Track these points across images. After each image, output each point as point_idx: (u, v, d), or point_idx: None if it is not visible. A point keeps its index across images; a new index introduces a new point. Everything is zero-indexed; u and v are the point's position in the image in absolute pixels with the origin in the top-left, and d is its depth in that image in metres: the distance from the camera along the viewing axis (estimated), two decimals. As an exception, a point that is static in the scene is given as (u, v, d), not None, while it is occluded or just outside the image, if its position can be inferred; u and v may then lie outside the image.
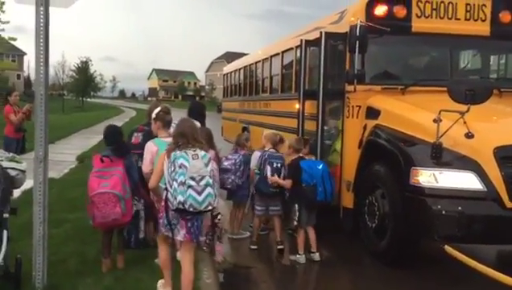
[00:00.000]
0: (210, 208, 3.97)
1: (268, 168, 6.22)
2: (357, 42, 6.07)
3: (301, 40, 7.43)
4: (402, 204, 5.31)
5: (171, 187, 3.91)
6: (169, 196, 3.93)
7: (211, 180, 3.94)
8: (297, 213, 5.97)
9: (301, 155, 6.16)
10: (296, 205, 5.99)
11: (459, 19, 6.50)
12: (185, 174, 3.84)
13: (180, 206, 3.84)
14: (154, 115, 5.00)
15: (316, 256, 6.00)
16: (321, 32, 6.73)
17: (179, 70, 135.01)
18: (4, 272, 4.00)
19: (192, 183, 3.83)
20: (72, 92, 65.75)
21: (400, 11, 6.38)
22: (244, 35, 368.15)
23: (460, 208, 4.84)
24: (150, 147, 4.78)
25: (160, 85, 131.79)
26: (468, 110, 4.69)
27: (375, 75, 6.67)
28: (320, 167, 6.02)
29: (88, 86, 63.02)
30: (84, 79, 61.64)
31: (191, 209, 3.85)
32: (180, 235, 4.05)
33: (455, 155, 5.03)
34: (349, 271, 5.94)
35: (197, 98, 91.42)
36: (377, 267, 5.72)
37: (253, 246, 6.45)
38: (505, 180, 4.85)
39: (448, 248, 4.64)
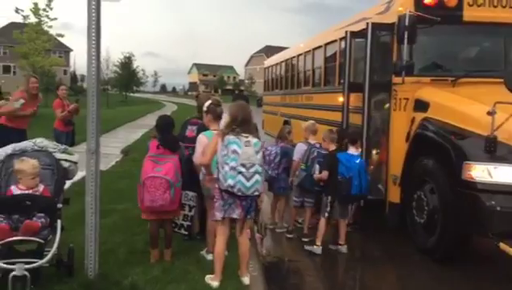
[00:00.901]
0: (257, 193, 4.31)
1: (317, 167, 6.18)
2: (406, 32, 5.92)
3: (346, 32, 7.29)
4: (454, 199, 5.14)
5: (222, 168, 4.20)
6: (220, 176, 4.24)
7: (260, 168, 4.26)
8: (328, 205, 5.94)
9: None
10: (329, 197, 5.95)
11: (513, 7, 6.23)
12: (237, 160, 4.15)
13: (229, 189, 4.17)
14: (205, 108, 5.02)
15: (344, 248, 5.97)
16: (368, 23, 6.59)
17: (219, 64, 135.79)
18: (57, 261, 4.12)
19: (243, 169, 4.15)
20: (115, 87, 67.25)
21: (451, 0, 6.16)
22: (283, 29, 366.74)
23: (515, 204, 4.65)
24: (202, 139, 4.83)
25: (200, 80, 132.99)
26: (526, 102, 4.48)
27: (424, 66, 6.49)
28: (358, 160, 5.93)
29: (131, 81, 64.25)
30: (127, 74, 62.81)
31: (239, 193, 4.19)
32: (236, 213, 4.36)
33: (510, 149, 4.82)
34: (397, 268, 5.82)
35: (237, 92, 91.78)
36: (426, 264, 5.57)
37: (304, 239, 6.37)
38: None
39: (502, 245, 4.46)
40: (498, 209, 4.65)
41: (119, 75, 63.94)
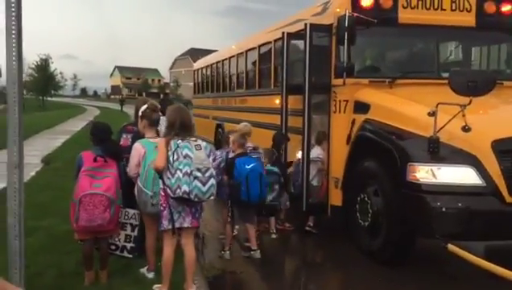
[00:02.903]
0: (212, 197, 4.21)
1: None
2: (346, 34, 5.85)
3: (283, 33, 7.15)
4: (399, 201, 5.12)
5: (172, 175, 4.01)
6: (169, 183, 4.02)
7: (214, 172, 4.18)
8: (229, 210, 5.86)
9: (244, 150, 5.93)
10: (229, 202, 5.88)
11: (444, 10, 6.36)
12: (191, 165, 4.00)
13: (185, 196, 4.01)
14: (140, 113, 4.63)
15: (257, 254, 5.78)
16: (306, 24, 6.47)
17: (143, 67, 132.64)
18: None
19: (199, 174, 4.01)
20: (31, 91, 63.63)
21: (386, 2, 6.19)
22: (208, 32, 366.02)
23: (460, 204, 4.68)
24: (138, 148, 4.47)
25: (123, 83, 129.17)
26: (470, 103, 4.51)
27: (362, 68, 6.49)
28: (250, 166, 5.62)
29: (49, 85, 60.98)
30: (44, 77, 59.52)
31: (196, 199, 4.06)
32: (187, 222, 4.20)
33: (452, 150, 4.86)
34: (342, 272, 5.73)
35: (161, 96, 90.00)
36: (371, 267, 5.51)
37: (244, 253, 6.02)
38: (504, 174, 4.71)
39: (451, 247, 4.46)
40: (444, 209, 4.66)
41: (35, 78, 60.43)
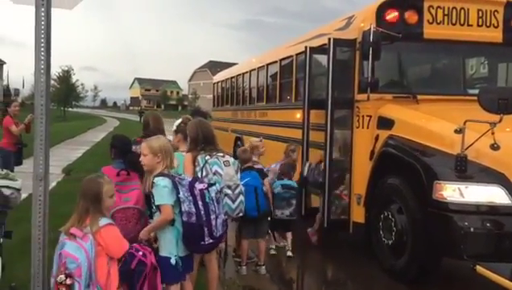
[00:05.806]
0: (241, 214, 4.26)
1: None
2: (371, 48, 5.79)
3: (306, 47, 7.12)
4: (424, 220, 5.00)
5: None
6: None
7: (243, 188, 4.17)
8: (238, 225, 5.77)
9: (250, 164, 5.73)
10: None
11: (471, 26, 6.27)
12: (220, 182, 3.94)
13: None
14: (175, 127, 4.66)
15: (263, 270, 5.64)
16: (329, 38, 6.43)
17: (162, 79, 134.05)
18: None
19: (229, 191, 4.05)
20: (53, 101, 64.87)
21: (412, 17, 6.13)
22: (225, 45, 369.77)
23: (488, 224, 4.56)
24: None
25: (142, 94, 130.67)
26: (500, 121, 4.40)
27: (386, 83, 6.38)
28: (243, 181, 5.21)
29: (70, 96, 62.11)
30: (65, 88, 60.65)
31: (225, 217, 3.95)
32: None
33: (480, 168, 4.75)
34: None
35: (180, 108, 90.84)
36: (394, 287, 5.39)
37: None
38: (534, 193, 4.58)
39: (479, 268, 4.32)
40: (472, 230, 4.53)
41: (57, 89, 61.61)
